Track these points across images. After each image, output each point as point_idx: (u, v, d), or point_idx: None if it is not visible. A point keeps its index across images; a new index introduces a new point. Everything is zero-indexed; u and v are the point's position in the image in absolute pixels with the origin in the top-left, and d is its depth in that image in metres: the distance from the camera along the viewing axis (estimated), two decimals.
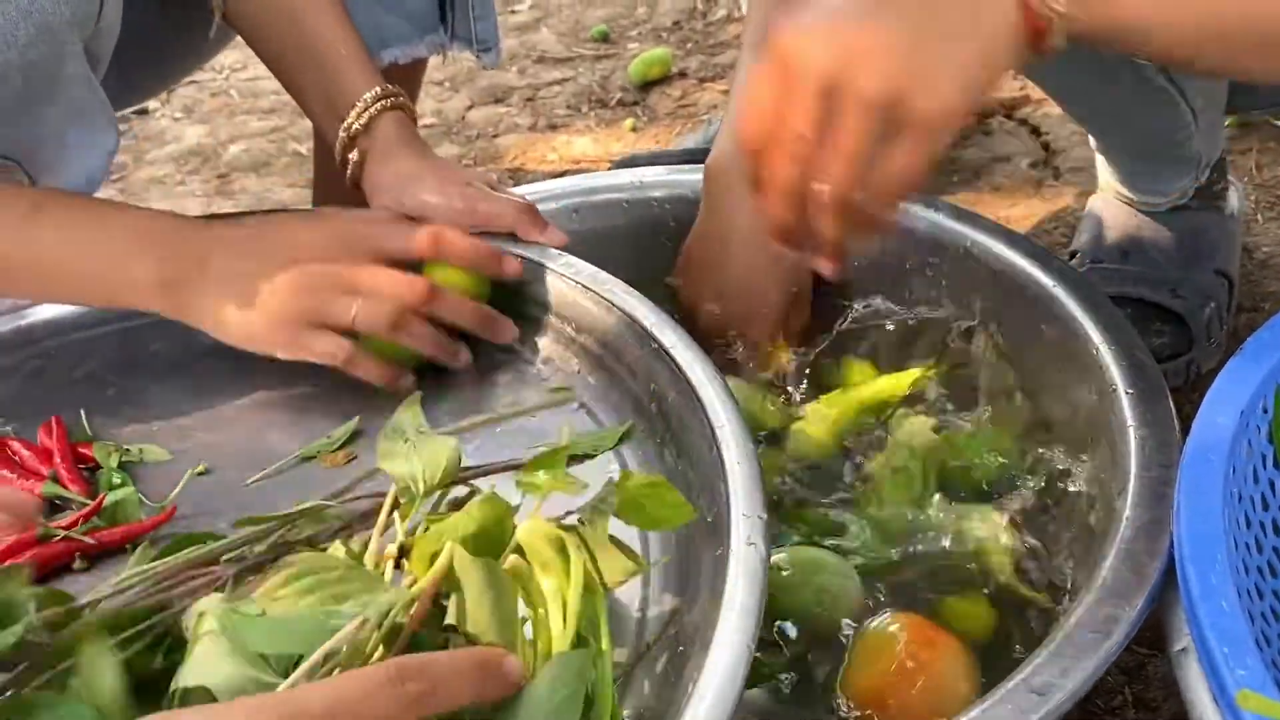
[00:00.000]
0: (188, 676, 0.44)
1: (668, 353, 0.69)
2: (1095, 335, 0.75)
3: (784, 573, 0.69)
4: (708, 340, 0.89)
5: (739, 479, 0.59)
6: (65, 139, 0.91)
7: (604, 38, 1.86)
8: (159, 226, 0.79)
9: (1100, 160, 1.09)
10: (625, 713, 0.52)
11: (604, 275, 0.77)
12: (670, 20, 1.89)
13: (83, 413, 0.78)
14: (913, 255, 0.90)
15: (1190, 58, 0.63)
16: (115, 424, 0.78)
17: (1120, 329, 0.75)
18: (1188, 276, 1.02)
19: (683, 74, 1.74)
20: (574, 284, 0.78)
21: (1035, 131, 1.43)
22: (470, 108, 1.74)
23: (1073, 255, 1.09)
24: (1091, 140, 1.08)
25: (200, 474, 0.73)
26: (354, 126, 0.85)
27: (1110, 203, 1.09)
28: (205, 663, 0.42)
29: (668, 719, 0.49)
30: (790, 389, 0.87)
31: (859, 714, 0.63)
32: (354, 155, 0.86)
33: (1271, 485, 0.67)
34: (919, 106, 0.55)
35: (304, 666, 0.43)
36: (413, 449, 0.60)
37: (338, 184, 0.92)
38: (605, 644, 0.48)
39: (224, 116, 1.79)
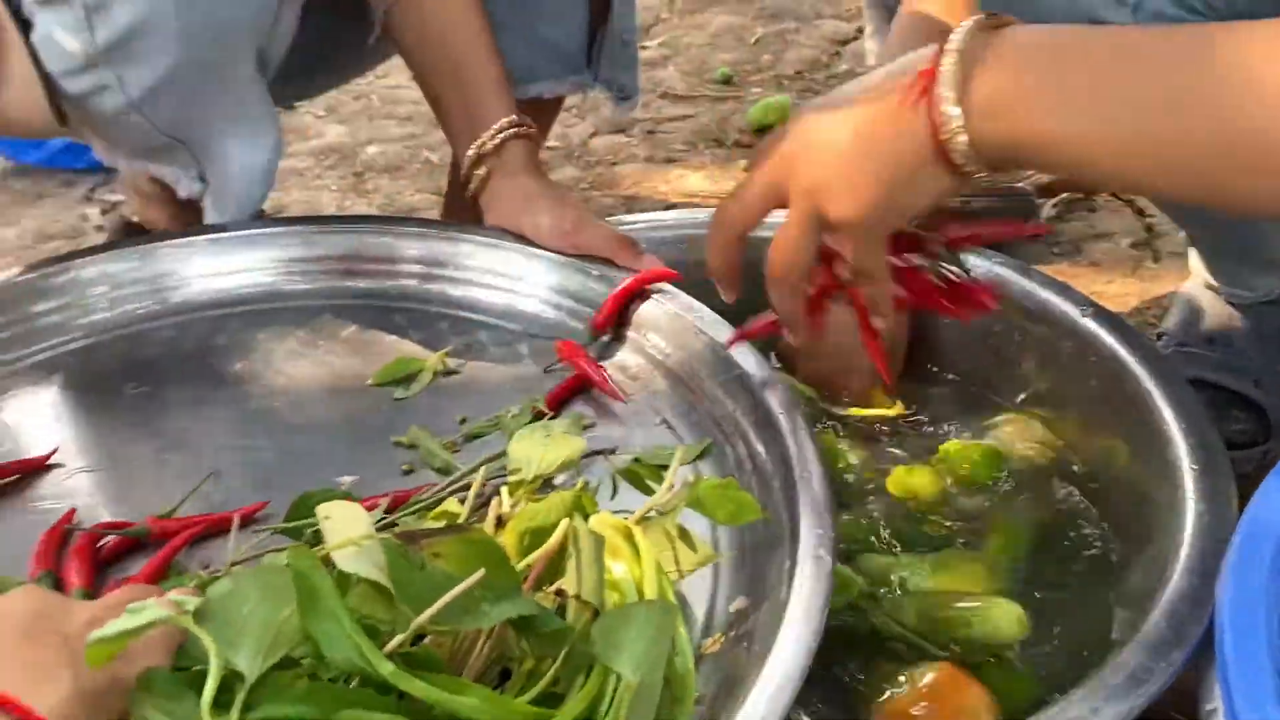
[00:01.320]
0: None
1: (749, 379, 0.75)
2: (1167, 412, 0.78)
3: None
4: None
5: (810, 497, 0.64)
6: (230, 133, 1.00)
7: (727, 80, 1.93)
8: None
9: (1192, 249, 1.12)
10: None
11: (696, 304, 0.83)
12: (793, 69, 1.96)
13: None
14: (1002, 320, 0.94)
15: (1127, 182, 0.63)
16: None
17: (1192, 408, 0.78)
18: (1271, 369, 1.04)
19: None
20: (666, 309, 0.84)
21: (1140, 212, 1.46)
22: (593, 135, 1.82)
23: (1160, 336, 1.12)
24: (1180, 232, 1.11)
25: None
26: (486, 146, 0.94)
27: (1202, 290, 1.11)
28: (352, 561, 0.48)
29: (728, 708, 0.55)
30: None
31: None
32: (480, 171, 0.95)
33: None
34: (830, 212, 0.64)
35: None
36: (545, 442, 0.67)
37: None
38: (680, 620, 0.54)
39: (364, 119, 1.91)
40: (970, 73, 0.58)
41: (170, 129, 0.97)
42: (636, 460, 0.69)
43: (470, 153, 0.95)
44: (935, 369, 1.00)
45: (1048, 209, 1.48)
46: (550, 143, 1.79)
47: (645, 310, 0.86)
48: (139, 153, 1.04)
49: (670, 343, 0.83)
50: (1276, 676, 0.61)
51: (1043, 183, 1.51)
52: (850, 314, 0.94)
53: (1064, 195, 1.50)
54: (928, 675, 0.71)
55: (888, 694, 0.70)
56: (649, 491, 0.64)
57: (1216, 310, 1.10)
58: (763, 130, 1.77)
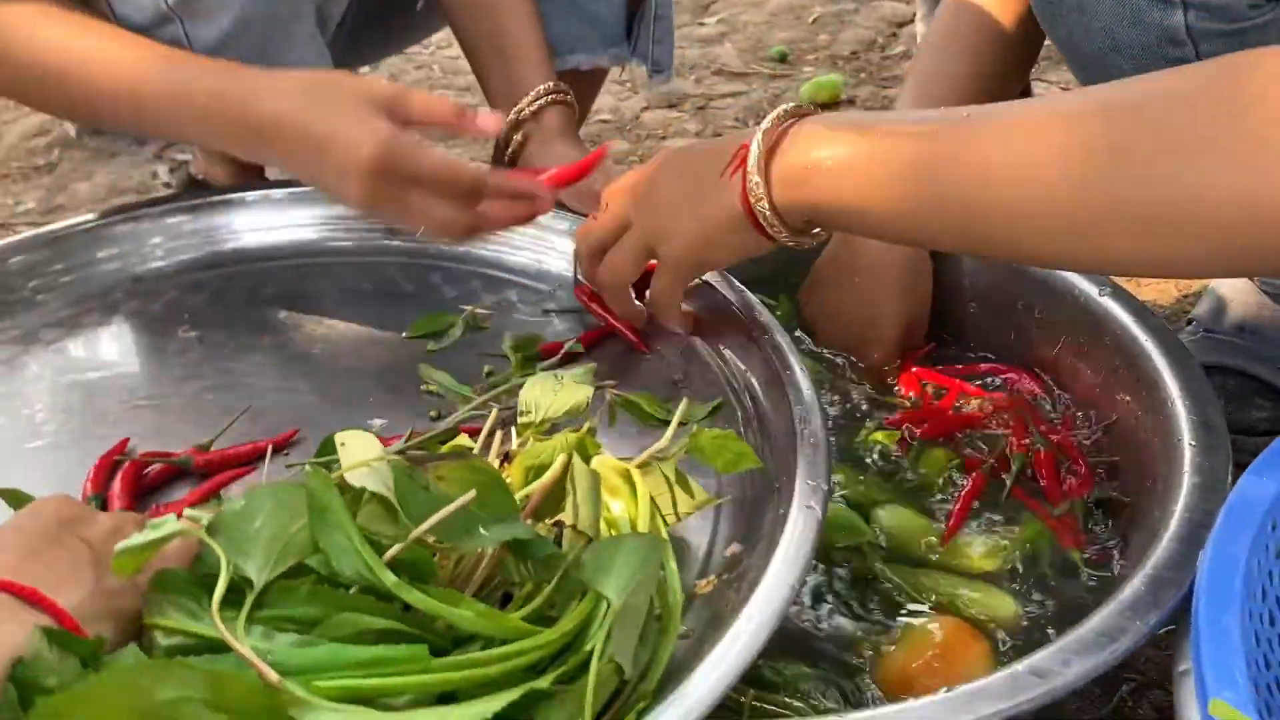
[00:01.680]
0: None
1: (764, 344, 0.78)
2: (1174, 391, 0.80)
3: None
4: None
5: (808, 453, 0.67)
6: None
7: (782, 58, 1.95)
8: None
9: None
10: (682, 627, 0.61)
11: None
12: (849, 49, 1.97)
13: None
14: (1023, 298, 0.96)
15: (906, 239, 0.74)
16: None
17: (1199, 389, 0.80)
18: None
19: (851, 101, 1.81)
20: None
21: None
22: (645, 109, 1.85)
23: (1189, 322, 1.12)
24: None
25: None
26: (524, 111, 0.98)
27: (1235, 279, 1.12)
28: (362, 477, 0.53)
29: (711, 640, 0.58)
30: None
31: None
32: (518, 136, 0.98)
33: None
34: (660, 251, 0.78)
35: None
36: (556, 389, 0.71)
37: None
38: (670, 555, 0.58)
39: (425, 88, 1.95)
40: (772, 152, 0.70)
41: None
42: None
43: (510, 117, 0.99)
44: (954, 345, 1.02)
45: None
46: (603, 115, 1.83)
47: None
48: None
49: (689, 304, 0.86)
50: (1249, 642, 0.63)
51: None
52: (871, 288, 0.98)
53: None
54: (933, 627, 0.74)
55: (893, 644, 0.73)
56: (646, 420, 0.68)
57: (1248, 299, 1.10)
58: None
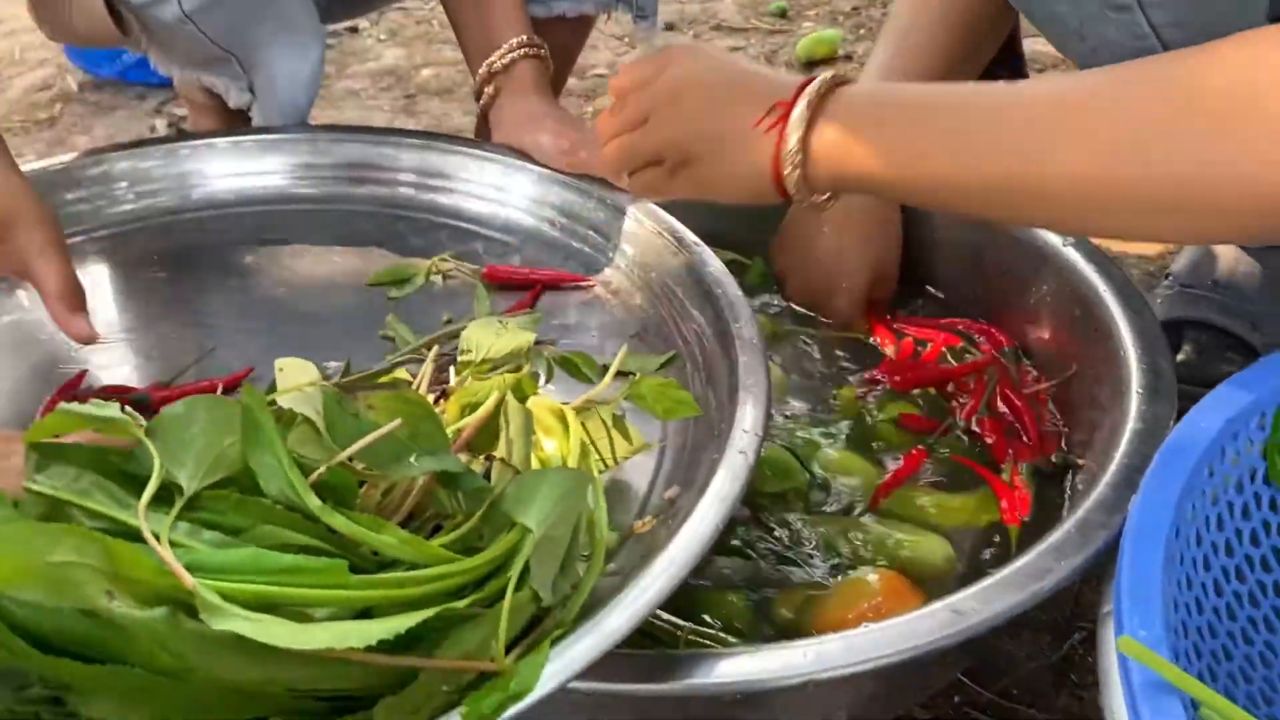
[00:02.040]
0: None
1: (717, 297, 0.79)
2: (1128, 339, 0.80)
3: None
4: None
5: (748, 404, 0.68)
6: (276, 45, 1.06)
7: (782, 14, 1.94)
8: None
9: None
10: (611, 566, 0.63)
11: (677, 225, 0.87)
12: (849, 4, 1.95)
13: None
14: (991, 250, 0.97)
15: (968, 210, 0.70)
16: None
17: (1152, 339, 0.80)
18: (1270, 314, 1.04)
19: (849, 57, 1.80)
20: (650, 229, 0.88)
21: None
22: None
23: (1166, 276, 1.12)
24: None
25: None
26: (495, 64, 0.98)
27: None
28: (293, 401, 0.54)
29: (640, 573, 0.59)
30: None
31: None
32: (489, 89, 0.99)
33: (1257, 498, 0.72)
34: (668, 166, 0.75)
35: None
36: (499, 332, 0.72)
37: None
38: (600, 493, 0.59)
39: (422, 43, 1.96)
40: (815, 119, 0.68)
41: (221, 39, 1.03)
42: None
43: (482, 70, 0.99)
44: (924, 298, 1.03)
45: None
46: (599, 70, 1.82)
47: (626, 228, 0.90)
48: (192, 62, 1.11)
49: (650, 259, 0.87)
50: (1177, 585, 0.63)
51: None
52: (840, 239, 0.98)
53: None
54: (871, 578, 0.75)
55: (828, 592, 0.74)
56: (583, 378, 0.69)
57: (1225, 253, 1.10)
58: (811, 64, 1.78)
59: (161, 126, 1.75)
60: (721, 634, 0.68)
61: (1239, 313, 1.05)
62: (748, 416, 0.67)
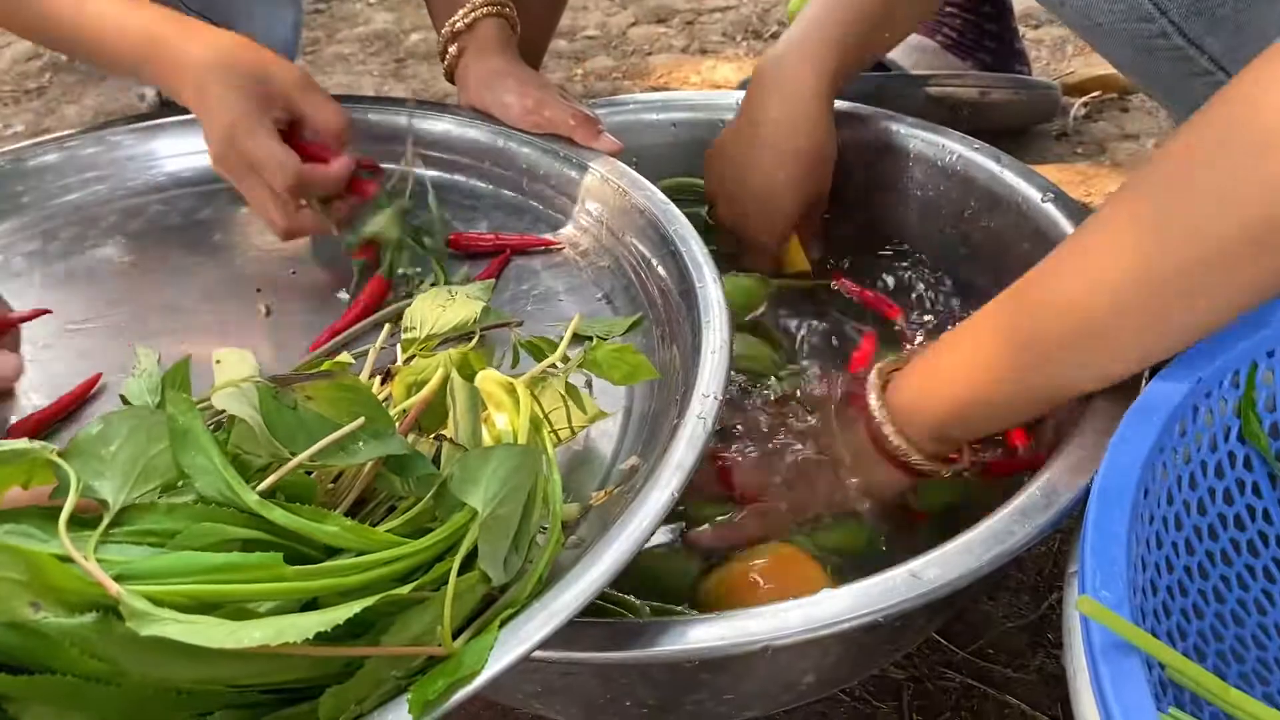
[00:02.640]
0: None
1: (681, 255, 0.77)
2: None
3: None
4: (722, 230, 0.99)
5: (709, 366, 0.67)
6: (252, 7, 1.04)
7: None
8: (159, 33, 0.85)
9: None
10: (573, 538, 0.62)
11: (642, 181, 0.85)
12: None
13: None
14: (969, 206, 0.95)
15: (1009, 424, 0.74)
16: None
17: None
18: None
19: None
20: (614, 187, 0.87)
21: None
22: (633, 25, 1.82)
23: None
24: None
25: None
26: (458, 24, 0.96)
27: None
28: (226, 400, 0.53)
29: (595, 545, 0.59)
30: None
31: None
32: (453, 49, 0.97)
33: (1231, 457, 0.71)
34: None
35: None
36: (445, 304, 0.71)
37: None
38: (553, 465, 0.58)
39: (412, 7, 1.94)
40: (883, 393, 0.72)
41: (197, 3, 1.02)
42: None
43: (445, 30, 0.98)
44: (898, 253, 1.01)
45: (1076, 108, 1.44)
46: (589, 32, 1.80)
47: (592, 187, 0.88)
48: None
49: (618, 220, 0.86)
50: (1143, 545, 0.63)
51: (1072, 81, 1.48)
52: (773, 165, 0.96)
53: (1096, 94, 1.46)
54: (769, 551, 0.74)
55: (728, 561, 0.73)
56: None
57: None
58: None
59: (151, 95, 1.74)
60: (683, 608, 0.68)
61: None
62: (706, 379, 0.66)
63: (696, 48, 1.74)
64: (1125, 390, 0.71)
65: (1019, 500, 0.64)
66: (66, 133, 0.98)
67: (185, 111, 0.84)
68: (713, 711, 0.66)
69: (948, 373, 0.69)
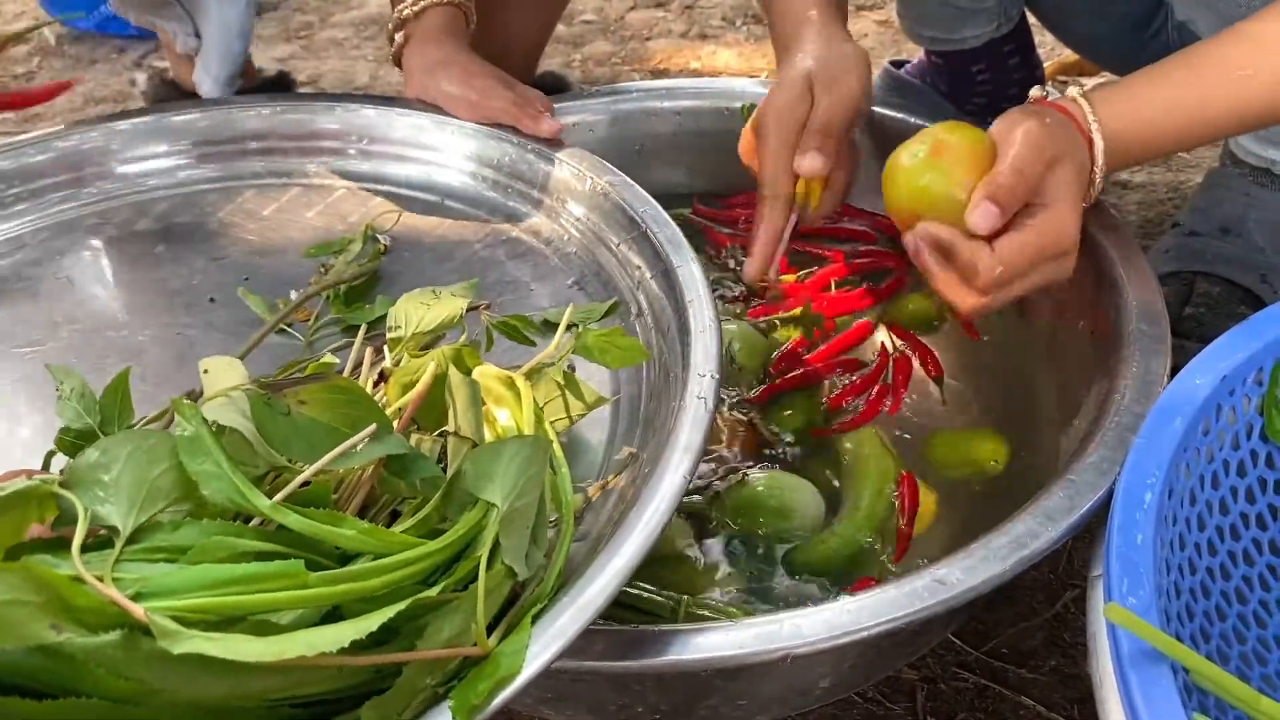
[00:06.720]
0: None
1: (653, 236, 0.76)
2: (1131, 297, 0.78)
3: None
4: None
5: (699, 345, 0.66)
6: None
7: None
8: None
9: None
10: (582, 528, 0.61)
11: (607, 166, 0.84)
12: None
13: None
14: None
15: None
16: None
17: (1148, 293, 0.77)
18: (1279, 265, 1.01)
19: None
20: (578, 173, 0.85)
21: None
22: (631, 9, 1.80)
23: (1174, 225, 1.08)
24: None
25: None
26: (405, 12, 0.94)
27: (1228, 174, 1.07)
28: (217, 410, 0.52)
29: (613, 534, 0.57)
30: None
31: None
32: (399, 37, 0.95)
33: (1254, 455, 0.70)
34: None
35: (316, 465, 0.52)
36: (429, 303, 0.69)
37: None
38: (561, 457, 0.57)
39: None
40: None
41: None
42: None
43: (395, 16, 0.95)
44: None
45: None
46: (586, 16, 1.78)
47: (557, 174, 0.87)
48: (144, 7, 1.08)
49: (582, 205, 0.84)
50: (1168, 548, 0.62)
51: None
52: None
53: (1061, 78, 1.44)
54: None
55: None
56: (526, 343, 0.67)
57: (1236, 199, 1.05)
58: None
59: (142, 80, 1.71)
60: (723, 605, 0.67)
61: (1248, 264, 1.01)
62: (701, 359, 0.65)
63: (696, 33, 1.72)
64: (1147, 384, 0.70)
65: (1042, 502, 0.63)
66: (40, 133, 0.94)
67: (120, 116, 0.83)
68: (725, 716, 0.65)
69: (1149, 112, 0.77)
